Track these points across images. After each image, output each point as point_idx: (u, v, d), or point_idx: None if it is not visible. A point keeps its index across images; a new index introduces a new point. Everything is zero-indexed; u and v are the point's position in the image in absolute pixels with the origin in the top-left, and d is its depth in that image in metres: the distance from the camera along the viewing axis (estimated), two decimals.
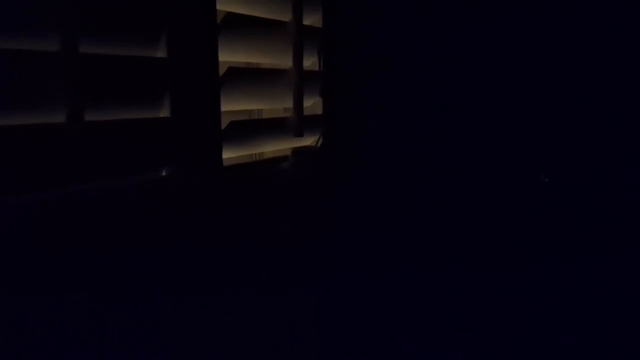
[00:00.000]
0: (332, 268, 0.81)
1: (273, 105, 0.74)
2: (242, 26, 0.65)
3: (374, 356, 0.81)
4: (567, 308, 0.84)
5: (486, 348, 0.84)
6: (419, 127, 0.91)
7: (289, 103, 0.73)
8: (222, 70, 0.62)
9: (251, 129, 0.69)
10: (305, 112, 0.75)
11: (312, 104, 0.81)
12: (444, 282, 0.86)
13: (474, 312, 0.86)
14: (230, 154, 0.65)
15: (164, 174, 0.58)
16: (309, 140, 0.80)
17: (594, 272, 0.83)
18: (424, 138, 0.91)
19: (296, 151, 0.76)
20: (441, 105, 0.90)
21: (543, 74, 0.86)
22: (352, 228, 0.86)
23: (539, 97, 0.87)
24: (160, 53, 0.56)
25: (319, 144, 0.80)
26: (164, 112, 0.57)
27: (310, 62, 0.78)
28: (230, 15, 0.63)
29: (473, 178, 0.90)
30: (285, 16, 0.71)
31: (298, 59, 0.72)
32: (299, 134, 0.73)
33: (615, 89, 0.84)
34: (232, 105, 0.66)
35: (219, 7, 0.61)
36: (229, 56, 0.65)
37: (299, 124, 0.73)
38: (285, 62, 0.73)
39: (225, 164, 0.64)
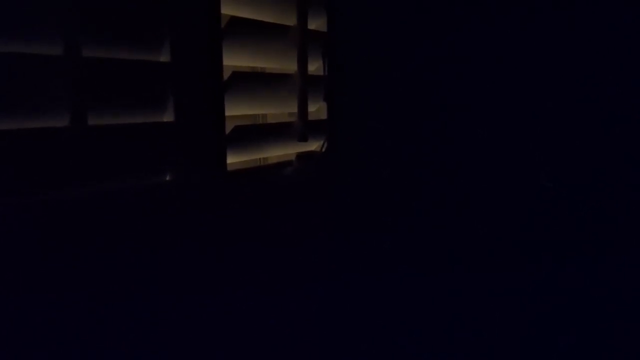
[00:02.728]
0: (336, 271, 0.81)
1: (277, 109, 0.74)
2: (246, 30, 0.65)
3: (374, 357, 0.81)
4: (567, 309, 0.84)
5: (487, 349, 0.84)
6: (423, 131, 0.91)
7: (294, 108, 0.73)
8: (226, 74, 0.62)
9: (255, 133, 0.68)
10: (310, 117, 0.74)
11: (317, 109, 0.80)
12: (445, 283, 0.86)
13: (475, 313, 0.86)
14: (234, 159, 0.65)
15: (167, 178, 0.57)
16: (313, 145, 0.80)
17: (594, 273, 0.84)
18: (428, 143, 0.91)
19: (300, 156, 0.76)
20: (445, 109, 0.90)
21: (544, 74, 0.86)
22: (355, 231, 0.86)
23: (540, 97, 0.87)
24: (164, 57, 0.56)
25: (323, 149, 0.80)
26: (168, 117, 0.57)
27: (314, 66, 0.78)
28: (234, 20, 0.62)
29: (474, 180, 0.91)
30: (290, 20, 0.71)
31: (302, 64, 0.71)
32: (304, 139, 0.73)
33: (616, 89, 0.84)
34: (236, 110, 0.66)
35: (223, 11, 0.61)
36: (233, 60, 0.64)
37: (304, 128, 0.73)
38: (289, 66, 0.72)
39: (229, 168, 0.63)
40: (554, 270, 0.85)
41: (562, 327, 0.84)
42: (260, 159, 0.75)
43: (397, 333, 0.83)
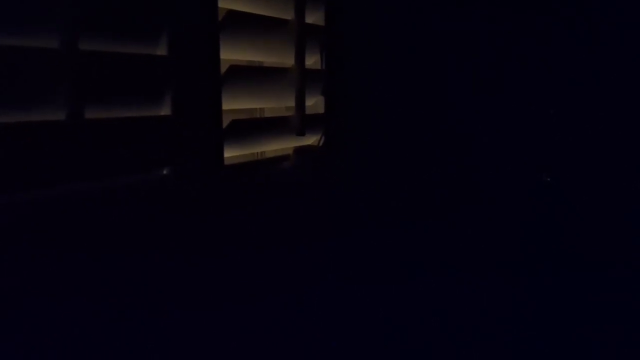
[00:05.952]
0: (334, 268, 0.81)
1: (275, 103, 0.74)
2: (244, 24, 0.65)
3: (374, 357, 0.81)
4: (572, 310, 0.84)
5: (488, 350, 0.84)
6: (422, 126, 0.91)
7: (291, 102, 0.73)
8: (223, 68, 0.62)
9: (253, 127, 0.68)
10: (307, 111, 0.74)
11: (314, 103, 0.80)
12: (447, 284, 0.86)
13: (476, 313, 0.85)
14: (231, 153, 0.65)
15: (164, 172, 0.57)
16: (310, 139, 0.80)
17: (600, 274, 0.83)
18: (426, 137, 0.91)
19: (298, 150, 0.76)
20: (445, 103, 0.90)
21: (547, 73, 0.86)
22: (353, 227, 0.86)
23: (542, 97, 0.87)
24: (162, 51, 0.56)
25: (320, 143, 0.80)
26: (165, 111, 0.57)
27: (312, 60, 0.78)
28: (232, 13, 0.62)
29: (477, 178, 0.90)
30: (288, 14, 0.71)
31: (300, 58, 0.71)
32: (301, 133, 0.73)
33: (619, 89, 0.84)
34: (234, 104, 0.66)
35: (220, 4, 0.61)
36: (231, 54, 0.64)
37: (301, 122, 0.73)
38: (287, 60, 0.72)
39: (226, 162, 0.63)
40: (559, 272, 0.85)
41: (565, 328, 0.83)
42: (257, 153, 0.75)
43: (397, 333, 0.83)
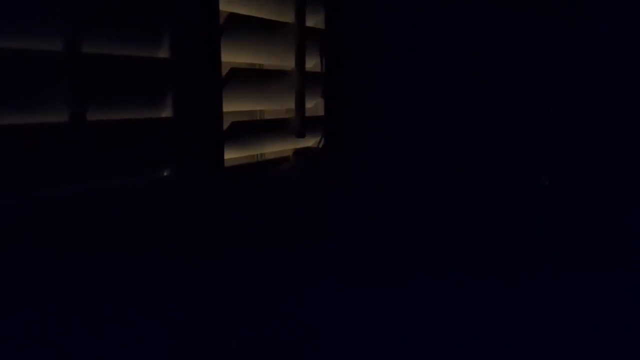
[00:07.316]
0: (333, 269, 0.81)
1: (275, 106, 0.74)
2: (244, 27, 0.65)
3: (373, 358, 0.81)
4: (571, 312, 0.84)
5: (487, 352, 0.84)
6: (421, 127, 0.91)
7: (291, 104, 0.73)
8: (224, 70, 0.62)
9: (253, 129, 0.69)
10: (307, 113, 0.74)
11: (314, 105, 0.81)
12: (446, 285, 0.86)
13: (475, 315, 0.86)
14: (231, 155, 0.65)
15: (165, 174, 0.57)
16: (310, 142, 0.80)
17: (599, 276, 0.83)
18: (426, 139, 0.91)
19: (298, 152, 0.76)
20: (444, 104, 0.90)
21: (547, 73, 0.86)
22: (353, 229, 0.86)
23: (542, 97, 0.87)
24: (163, 53, 0.56)
25: (320, 145, 0.80)
26: (166, 113, 0.57)
27: (312, 63, 0.78)
28: (233, 16, 0.62)
29: (476, 180, 0.90)
30: (288, 17, 0.71)
31: (300, 60, 0.71)
32: (301, 135, 0.73)
33: (620, 89, 0.84)
34: (234, 106, 0.66)
35: (221, 7, 0.61)
36: (232, 57, 0.64)
37: (301, 125, 0.73)
38: (287, 63, 0.73)
39: (226, 164, 0.64)
40: (558, 275, 0.85)
41: (565, 329, 0.83)
42: (257, 155, 0.75)
43: (397, 334, 0.83)
